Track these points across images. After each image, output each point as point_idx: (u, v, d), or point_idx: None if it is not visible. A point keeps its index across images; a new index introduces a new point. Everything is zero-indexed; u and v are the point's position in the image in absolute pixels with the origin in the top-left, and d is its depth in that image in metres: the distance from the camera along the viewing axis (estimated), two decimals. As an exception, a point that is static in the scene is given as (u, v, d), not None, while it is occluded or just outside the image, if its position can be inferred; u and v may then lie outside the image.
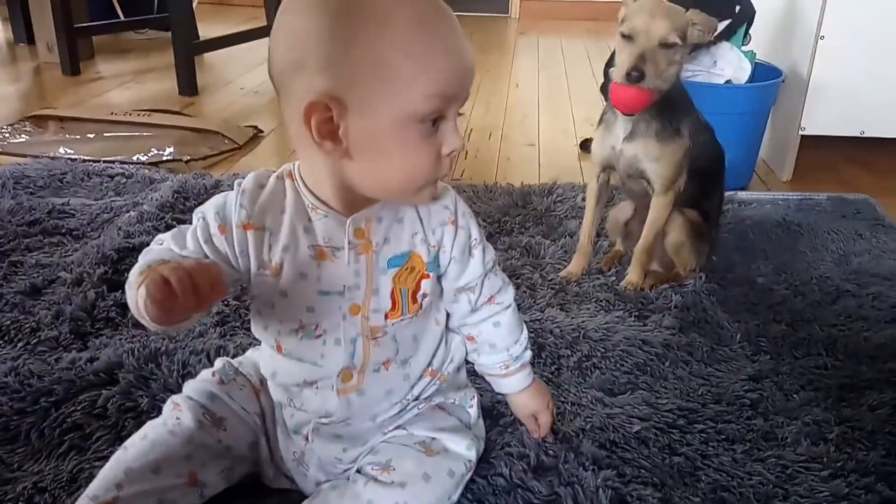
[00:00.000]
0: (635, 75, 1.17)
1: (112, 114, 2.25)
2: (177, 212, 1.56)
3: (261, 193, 0.74)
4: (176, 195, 1.62)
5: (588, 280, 1.37)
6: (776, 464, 0.92)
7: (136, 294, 0.66)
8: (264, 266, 0.73)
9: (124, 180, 1.77)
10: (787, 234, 1.58)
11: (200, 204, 1.66)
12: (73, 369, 1.04)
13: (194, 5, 3.03)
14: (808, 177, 1.97)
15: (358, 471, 0.80)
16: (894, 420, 1.00)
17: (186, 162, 1.94)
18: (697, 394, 1.06)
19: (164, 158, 1.95)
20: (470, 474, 0.83)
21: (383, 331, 0.77)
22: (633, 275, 1.34)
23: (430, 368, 0.83)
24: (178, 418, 0.79)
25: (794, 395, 1.06)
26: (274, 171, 0.76)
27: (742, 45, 1.84)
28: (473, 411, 0.88)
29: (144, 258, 0.73)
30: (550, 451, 0.92)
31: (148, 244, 1.38)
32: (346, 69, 0.63)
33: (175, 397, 0.83)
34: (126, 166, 1.85)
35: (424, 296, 0.78)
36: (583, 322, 1.21)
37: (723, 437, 0.97)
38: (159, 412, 0.95)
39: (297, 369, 0.78)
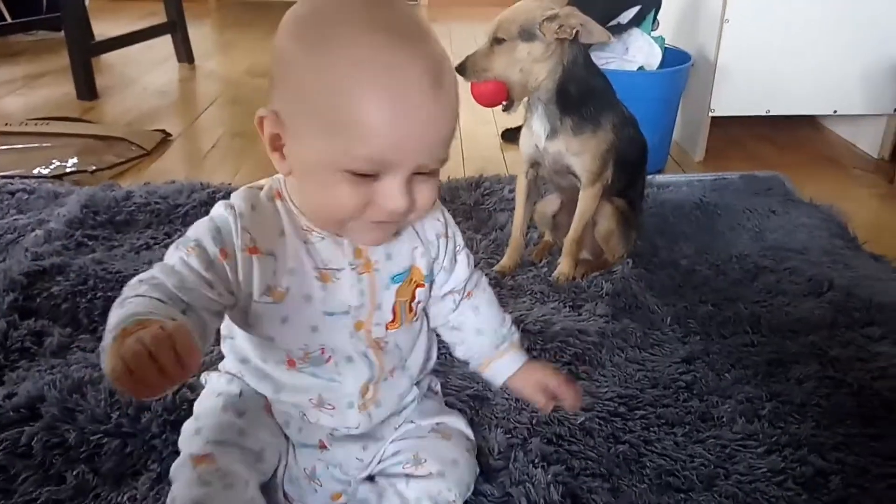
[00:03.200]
0: (457, 68, 1.23)
1: (6, 125, 2.10)
2: (87, 227, 1.47)
3: (255, 216, 0.68)
4: (84, 210, 1.53)
5: (522, 273, 1.38)
6: (715, 444, 0.96)
7: (110, 361, 0.53)
8: (269, 292, 0.69)
9: (26, 196, 1.65)
10: (706, 215, 1.63)
11: (111, 218, 1.58)
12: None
13: (87, 2, 2.86)
14: (719, 155, 2.04)
15: (382, 475, 0.80)
16: (820, 392, 1.05)
17: (92, 172, 1.83)
18: (635, 379, 1.08)
19: (68, 170, 1.84)
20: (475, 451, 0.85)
21: (384, 341, 0.77)
22: (564, 265, 1.36)
23: (427, 365, 0.85)
24: (217, 470, 0.68)
25: (726, 375, 1.09)
26: (258, 189, 0.71)
27: (651, 30, 1.89)
28: (439, 396, 0.91)
29: (122, 310, 0.58)
30: (499, 452, 0.92)
31: (59, 265, 1.32)
32: (286, 93, 0.62)
33: (196, 451, 0.70)
34: (27, 181, 1.73)
35: (419, 303, 0.79)
36: (521, 315, 1.22)
37: (663, 421, 1.00)
38: (88, 446, 0.90)
39: (313, 383, 0.75)
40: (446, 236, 0.79)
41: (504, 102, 1.27)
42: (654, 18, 1.90)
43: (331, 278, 0.71)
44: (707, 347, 1.16)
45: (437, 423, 0.83)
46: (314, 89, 0.59)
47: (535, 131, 1.31)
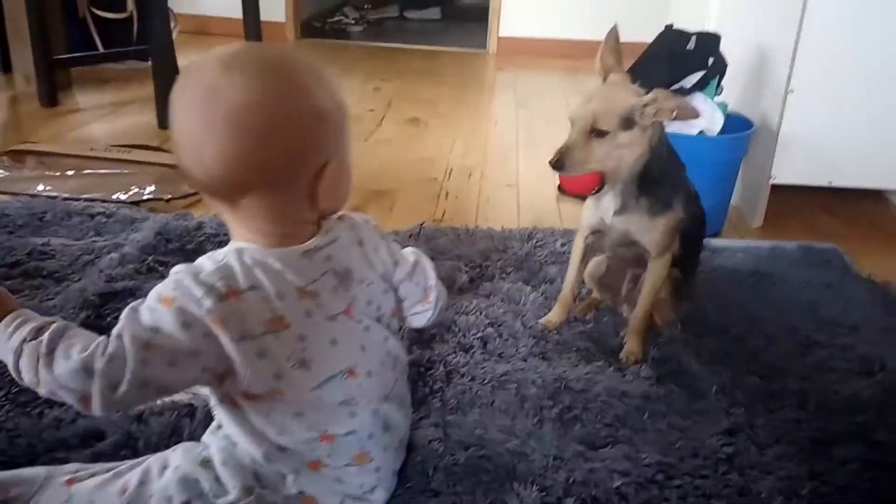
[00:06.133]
0: (555, 164, 1.20)
1: (91, 150, 2.24)
2: (159, 254, 1.56)
3: None
4: (158, 237, 1.62)
5: (568, 328, 1.40)
6: (752, 520, 0.95)
7: None
8: None
9: (105, 220, 1.76)
10: (759, 284, 1.62)
11: (182, 246, 1.65)
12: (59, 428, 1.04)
13: (174, 36, 3.02)
14: (778, 223, 2.02)
15: None
16: (864, 475, 1.04)
17: (167, 201, 1.93)
18: (675, 447, 1.09)
19: (145, 197, 1.95)
20: None
21: None
22: (632, 343, 1.34)
23: None
24: None
25: (768, 450, 1.09)
26: None
27: (715, 96, 1.91)
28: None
29: None
30: (535, 509, 0.94)
31: (130, 288, 1.41)
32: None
33: None
34: (107, 205, 1.84)
35: None
36: (564, 372, 1.24)
37: (700, 492, 1.00)
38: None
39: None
40: None
41: (596, 189, 1.28)
42: (718, 84, 1.92)
43: None
44: (751, 420, 1.15)
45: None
46: None
47: (605, 206, 1.30)
